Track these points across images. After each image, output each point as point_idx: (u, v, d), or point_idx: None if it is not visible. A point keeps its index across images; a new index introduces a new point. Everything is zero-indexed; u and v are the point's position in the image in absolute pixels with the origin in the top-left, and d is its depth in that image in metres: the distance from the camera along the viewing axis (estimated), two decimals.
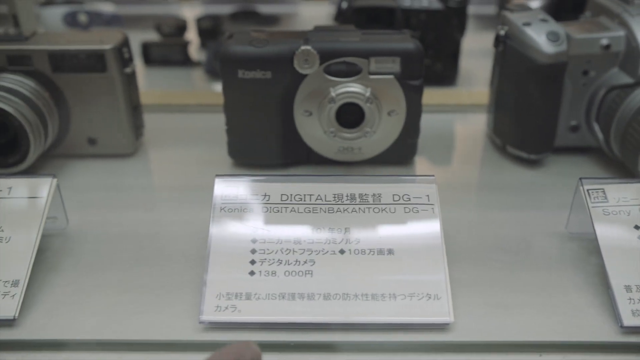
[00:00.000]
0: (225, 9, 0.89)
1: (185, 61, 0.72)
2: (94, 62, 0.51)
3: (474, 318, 0.39)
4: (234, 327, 0.38)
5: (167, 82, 0.71)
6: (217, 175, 0.43)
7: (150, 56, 0.72)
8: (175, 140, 0.59)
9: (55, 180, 0.43)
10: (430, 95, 0.56)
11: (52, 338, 0.38)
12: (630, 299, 0.38)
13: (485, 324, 0.39)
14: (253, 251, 0.40)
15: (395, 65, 0.50)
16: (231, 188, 0.43)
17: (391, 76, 0.50)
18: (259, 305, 0.38)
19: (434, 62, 0.67)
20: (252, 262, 0.40)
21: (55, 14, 0.69)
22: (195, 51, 0.75)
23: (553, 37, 0.50)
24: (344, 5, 0.64)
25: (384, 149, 0.53)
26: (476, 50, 0.72)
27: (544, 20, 0.51)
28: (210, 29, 0.76)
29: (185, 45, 0.72)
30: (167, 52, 0.72)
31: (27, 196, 0.42)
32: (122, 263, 0.44)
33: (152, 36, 0.76)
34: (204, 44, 0.76)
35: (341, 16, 0.65)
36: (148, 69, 0.73)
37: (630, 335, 0.37)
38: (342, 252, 0.40)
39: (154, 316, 0.39)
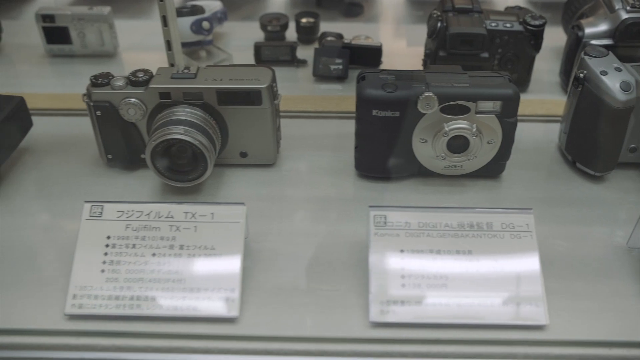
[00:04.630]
0: None
1: (293, 61, 0.84)
2: (252, 97, 0.64)
3: (562, 320, 0.54)
4: (397, 326, 0.52)
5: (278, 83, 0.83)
6: (371, 206, 0.57)
7: (261, 56, 0.84)
8: (303, 148, 0.72)
9: (245, 207, 0.57)
10: None
11: (267, 334, 0.52)
12: None
13: (575, 325, 0.53)
14: (402, 273, 0.55)
15: (496, 106, 0.62)
16: (380, 217, 0.57)
17: (493, 115, 0.62)
18: (414, 311, 0.53)
19: (511, 74, 0.78)
20: (402, 276, 0.54)
21: (183, 24, 0.80)
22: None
23: (625, 86, 0.62)
24: (440, 26, 0.75)
25: (480, 167, 0.66)
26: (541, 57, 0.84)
27: (618, 69, 0.63)
28: (309, 26, 0.87)
29: (293, 47, 0.83)
30: (277, 52, 0.83)
31: (227, 221, 0.56)
32: (295, 268, 0.58)
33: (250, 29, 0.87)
34: (302, 39, 0.87)
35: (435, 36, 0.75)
36: None
37: None
38: (467, 270, 0.55)
39: (329, 315, 0.54)
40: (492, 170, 0.67)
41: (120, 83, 0.64)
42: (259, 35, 0.90)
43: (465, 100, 0.62)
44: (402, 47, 0.88)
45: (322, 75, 0.81)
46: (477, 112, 0.62)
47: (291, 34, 0.90)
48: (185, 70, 0.64)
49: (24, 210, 0.64)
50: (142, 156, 0.68)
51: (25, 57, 0.89)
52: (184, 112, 0.63)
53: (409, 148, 0.65)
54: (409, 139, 0.64)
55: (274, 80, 0.64)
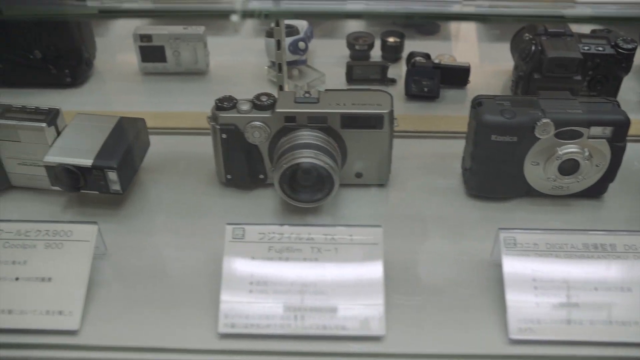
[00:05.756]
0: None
1: (383, 80, 0.86)
2: (374, 122, 0.66)
3: None
4: (537, 344, 0.55)
5: None
6: (500, 229, 0.60)
7: (352, 75, 0.86)
8: (410, 167, 0.74)
9: (382, 229, 0.60)
10: None
11: (413, 352, 0.56)
12: None
13: None
14: (536, 292, 0.58)
15: (607, 131, 0.65)
16: (510, 239, 0.60)
17: (604, 140, 0.66)
18: (550, 329, 0.56)
19: (600, 94, 0.82)
20: (536, 295, 0.57)
21: None
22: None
23: None
24: (534, 50, 0.78)
25: (585, 188, 0.69)
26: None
27: None
28: (395, 45, 0.90)
29: (385, 67, 0.86)
30: (367, 71, 0.86)
31: (366, 242, 0.59)
32: (428, 286, 0.61)
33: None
34: (387, 57, 0.90)
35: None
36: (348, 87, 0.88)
37: None
38: (596, 289, 0.58)
39: (467, 333, 0.57)
40: (596, 191, 0.70)
41: (246, 107, 0.67)
42: (343, 53, 0.93)
43: (579, 126, 0.65)
44: (484, 66, 0.91)
45: (414, 95, 0.84)
46: (589, 137, 0.65)
47: (375, 52, 0.93)
48: (307, 95, 0.67)
49: (151, 230, 0.67)
50: (261, 176, 0.71)
51: (118, 75, 0.92)
52: (310, 136, 0.66)
53: (520, 170, 0.68)
54: (521, 162, 0.67)
55: (392, 104, 0.67)
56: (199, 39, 0.87)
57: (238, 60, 0.95)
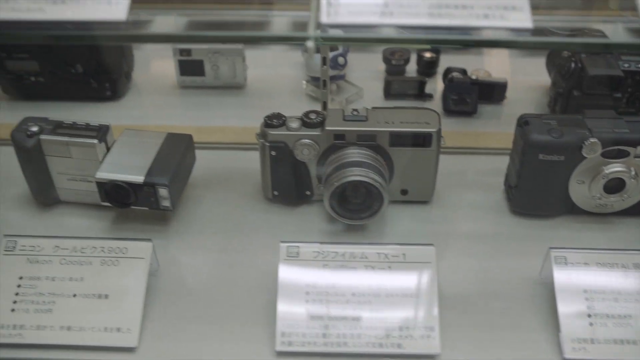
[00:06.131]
0: None
1: (420, 95, 0.87)
2: (422, 140, 0.67)
3: None
4: None
5: None
6: (551, 248, 0.61)
7: (390, 90, 0.87)
8: (452, 183, 0.75)
9: (434, 248, 0.60)
10: None
11: None
12: None
13: None
14: (588, 304, 0.58)
15: None
16: (560, 258, 0.60)
17: None
18: (600, 349, 0.57)
19: (638, 111, 0.82)
20: (589, 315, 0.58)
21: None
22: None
23: None
24: (575, 67, 0.78)
25: (630, 206, 0.70)
26: None
27: None
28: (431, 60, 0.91)
29: (423, 82, 0.87)
30: (405, 87, 0.87)
31: (419, 261, 0.60)
32: (482, 304, 0.62)
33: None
34: (422, 72, 0.91)
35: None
36: (387, 102, 0.89)
37: None
38: None
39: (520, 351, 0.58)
40: (639, 209, 0.71)
41: (295, 124, 0.67)
42: (379, 67, 0.93)
43: (626, 145, 0.65)
44: (518, 80, 0.91)
45: (451, 111, 0.85)
46: (635, 156, 0.66)
47: (411, 66, 0.94)
48: (355, 112, 0.68)
49: (200, 246, 0.68)
50: (307, 193, 0.71)
51: (156, 88, 0.92)
52: (359, 154, 0.66)
53: (565, 188, 0.68)
54: (567, 180, 0.68)
55: (440, 122, 0.68)
56: (238, 54, 0.87)
57: (275, 74, 0.95)
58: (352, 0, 0.45)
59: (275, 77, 0.94)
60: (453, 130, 0.83)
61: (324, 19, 0.45)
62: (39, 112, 0.73)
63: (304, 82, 0.90)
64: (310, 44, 0.44)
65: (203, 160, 0.76)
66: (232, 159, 0.79)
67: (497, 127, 0.84)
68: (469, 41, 0.47)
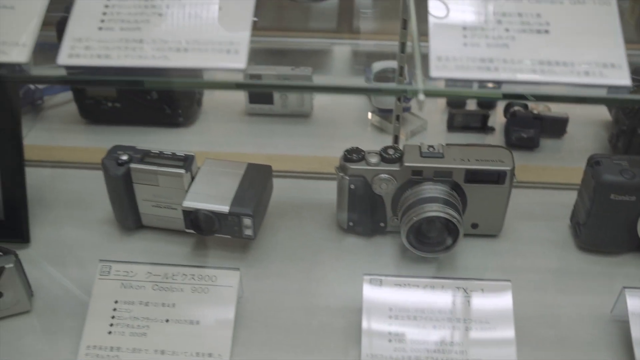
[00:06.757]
0: None
1: (482, 128, 0.90)
2: (497, 177, 0.69)
3: None
4: None
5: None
6: (625, 287, 0.63)
7: (454, 122, 0.90)
8: (518, 217, 0.77)
9: (510, 284, 0.63)
10: None
11: None
12: None
13: None
14: None
15: None
16: (633, 298, 0.63)
17: None
18: None
19: None
20: None
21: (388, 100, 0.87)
22: None
23: None
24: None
25: None
26: None
27: None
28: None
29: (486, 115, 0.89)
30: (468, 119, 0.89)
31: (496, 295, 0.62)
32: (554, 341, 0.64)
33: None
34: (483, 105, 0.93)
35: None
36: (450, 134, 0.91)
37: None
38: None
39: None
40: None
41: (374, 160, 0.70)
42: (441, 99, 0.96)
43: None
44: (577, 115, 0.93)
45: (514, 144, 0.87)
46: None
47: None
48: (432, 149, 0.70)
49: (280, 273, 0.71)
50: (381, 224, 0.74)
51: (225, 115, 0.95)
52: (436, 190, 0.69)
53: (633, 226, 0.70)
54: (636, 219, 0.70)
55: (514, 161, 0.70)
56: (307, 80, 0.89)
57: (340, 102, 0.98)
58: (460, 55, 0.48)
59: (341, 106, 0.97)
60: (517, 164, 0.85)
61: (434, 73, 0.47)
62: (115, 137, 0.77)
63: (370, 112, 0.92)
64: (422, 97, 0.47)
65: (275, 188, 0.78)
66: (304, 187, 0.82)
67: (559, 161, 0.86)
68: (571, 98, 0.49)
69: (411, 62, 0.84)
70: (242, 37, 0.50)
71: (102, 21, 0.51)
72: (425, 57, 0.48)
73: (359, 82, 0.98)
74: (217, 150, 0.87)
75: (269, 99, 0.92)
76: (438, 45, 0.48)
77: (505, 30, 0.49)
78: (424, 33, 0.50)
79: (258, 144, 0.91)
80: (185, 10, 0.51)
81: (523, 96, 0.51)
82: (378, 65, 0.92)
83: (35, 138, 0.91)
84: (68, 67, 0.50)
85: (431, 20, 0.50)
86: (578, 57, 0.48)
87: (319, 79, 0.96)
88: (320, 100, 0.95)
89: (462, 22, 0.50)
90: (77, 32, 0.51)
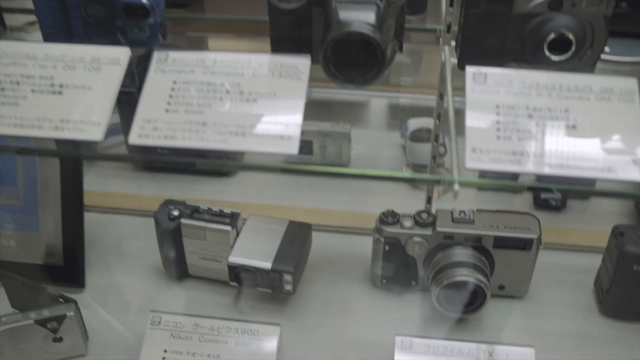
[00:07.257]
0: None
1: None
2: (524, 244, 0.73)
3: None
4: None
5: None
6: None
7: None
8: (542, 279, 0.80)
9: (533, 350, 0.66)
10: None
11: None
12: None
13: None
14: None
15: None
16: None
17: None
18: None
19: None
20: None
21: (424, 150, 0.91)
22: None
23: None
24: None
25: None
26: None
27: None
28: None
29: (515, 175, 0.93)
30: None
31: None
32: None
33: None
34: None
35: None
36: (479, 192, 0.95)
37: None
38: None
39: None
40: None
41: (408, 223, 0.74)
42: None
43: None
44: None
45: (542, 205, 0.91)
46: None
47: None
48: (463, 214, 0.75)
49: (318, 327, 0.75)
50: (413, 283, 0.78)
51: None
52: (465, 254, 0.73)
53: None
54: None
55: (540, 228, 0.74)
56: (345, 137, 0.95)
57: (376, 154, 1.03)
58: (493, 148, 0.52)
59: (377, 158, 1.02)
60: (544, 225, 0.89)
61: (469, 164, 0.52)
62: (162, 184, 0.82)
63: (405, 166, 0.97)
64: (457, 187, 0.52)
65: (312, 241, 0.83)
66: (340, 242, 0.87)
67: (585, 224, 0.89)
68: (595, 192, 0.54)
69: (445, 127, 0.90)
70: (294, 121, 0.55)
71: (169, 103, 0.56)
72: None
73: (395, 137, 1.04)
74: (257, 201, 0.92)
75: (308, 150, 0.97)
76: (473, 137, 0.53)
77: (536, 125, 0.54)
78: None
79: (297, 196, 0.95)
80: (244, 95, 0.57)
81: (549, 189, 0.55)
82: (414, 123, 0.96)
83: (88, 183, 0.97)
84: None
85: (468, 114, 0.55)
86: (603, 153, 0.52)
87: (356, 133, 1.01)
88: (357, 151, 0.99)
89: (496, 116, 0.54)
90: (146, 113, 0.56)
